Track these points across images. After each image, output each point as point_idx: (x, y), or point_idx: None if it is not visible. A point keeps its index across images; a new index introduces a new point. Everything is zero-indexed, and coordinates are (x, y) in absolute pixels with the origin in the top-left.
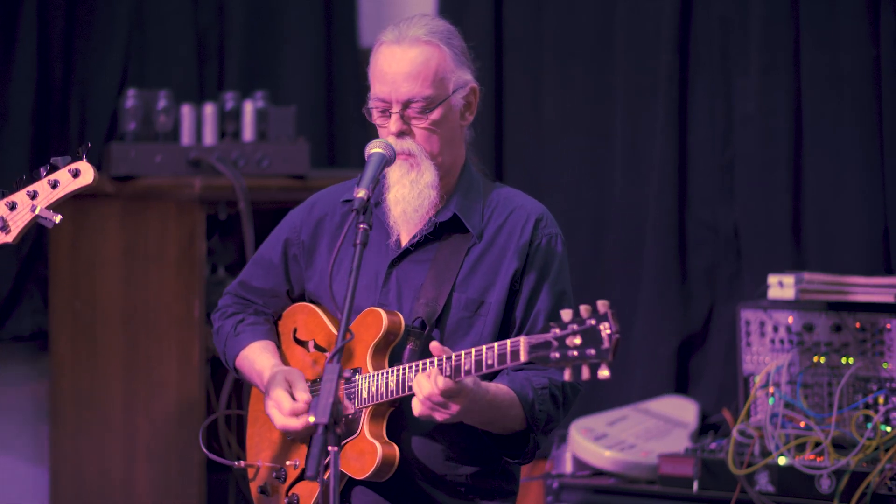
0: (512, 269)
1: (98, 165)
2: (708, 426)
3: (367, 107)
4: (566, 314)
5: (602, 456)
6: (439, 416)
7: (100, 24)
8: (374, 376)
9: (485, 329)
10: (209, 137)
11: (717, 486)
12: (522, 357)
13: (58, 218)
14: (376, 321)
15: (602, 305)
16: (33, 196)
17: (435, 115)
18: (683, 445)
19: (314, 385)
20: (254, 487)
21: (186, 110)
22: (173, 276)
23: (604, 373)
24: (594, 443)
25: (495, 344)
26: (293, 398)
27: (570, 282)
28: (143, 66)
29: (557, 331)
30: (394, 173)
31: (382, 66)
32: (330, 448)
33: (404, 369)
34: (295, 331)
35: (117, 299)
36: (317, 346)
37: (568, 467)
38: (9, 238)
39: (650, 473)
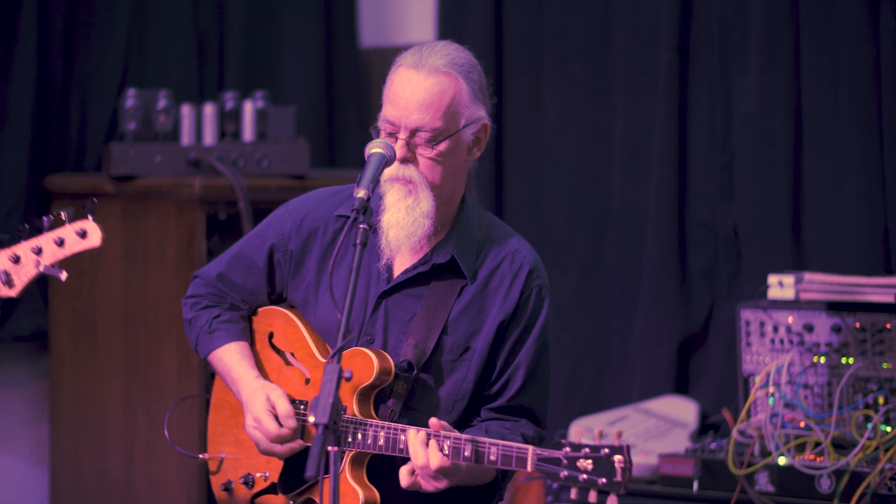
0: (500, 317)
1: (98, 165)
2: (708, 426)
3: (375, 125)
4: (577, 434)
5: None
6: (426, 486)
7: (100, 24)
8: (361, 423)
9: (468, 374)
10: (209, 137)
11: (717, 486)
12: (529, 468)
13: (63, 275)
14: (366, 365)
15: (617, 436)
16: (38, 252)
17: (441, 147)
18: (683, 445)
19: (294, 405)
20: (215, 482)
21: (186, 110)
22: (173, 276)
23: (612, 502)
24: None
25: (500, 443)
26: (278, 421)
27: (552, 335)
28: (143, 66)
29: (568, 450)
30: (391, 196)
31: (396, 90)
32: (330, 448)
33: (396, 430)
34: (271, 335)
35: (117, 299)
36: (294, 359)
37: None
38: (12, 292)
39: (650, 473)
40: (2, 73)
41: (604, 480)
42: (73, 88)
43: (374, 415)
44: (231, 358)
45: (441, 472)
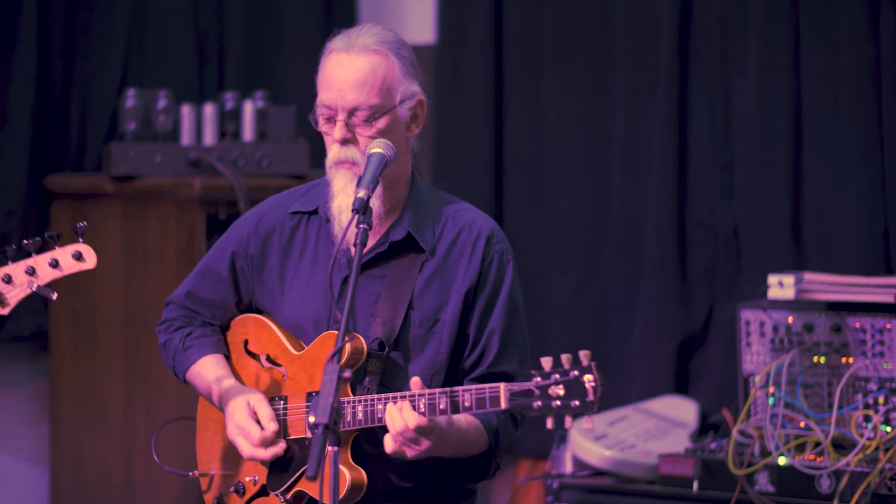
0: (465, 286)
1: (98, 165)
2: (708, 426)
3: (313, 114)
4: (546, 362)
5: (602, 456)
6: (410, 453)
7: (100, 23)
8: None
9: (440, 347)
10: (209, 137)
11: (717, 486)
12: (502, 404)
13: (55, 295)
14: None
15: (584, 357)
16: (31, 272)
17: (380, 124)
18: (683, 445)
19: (274, 403)
20: (208, 499)
21: (186, 110)
22: (173, 276)
23: (588, 425)
24: (594, 443)
25: (473, 387)
26: (260, 425)
27: (522, 297)
28: (143, 66)
29: (539, 379)
30: (338, 182)
31: (330, 74)
32: (330, 448)
33: (373, 401)
34: (246, 342)
35: (117, 299)
36: (270, 360)
37: (568, 467)
38: (3, 311)
39: (650, 473)
40: (2, 73)
41: (577, 403)
42: (73, 88)
43: (352, 395)
44: (207, 370)
45: (420, 432)
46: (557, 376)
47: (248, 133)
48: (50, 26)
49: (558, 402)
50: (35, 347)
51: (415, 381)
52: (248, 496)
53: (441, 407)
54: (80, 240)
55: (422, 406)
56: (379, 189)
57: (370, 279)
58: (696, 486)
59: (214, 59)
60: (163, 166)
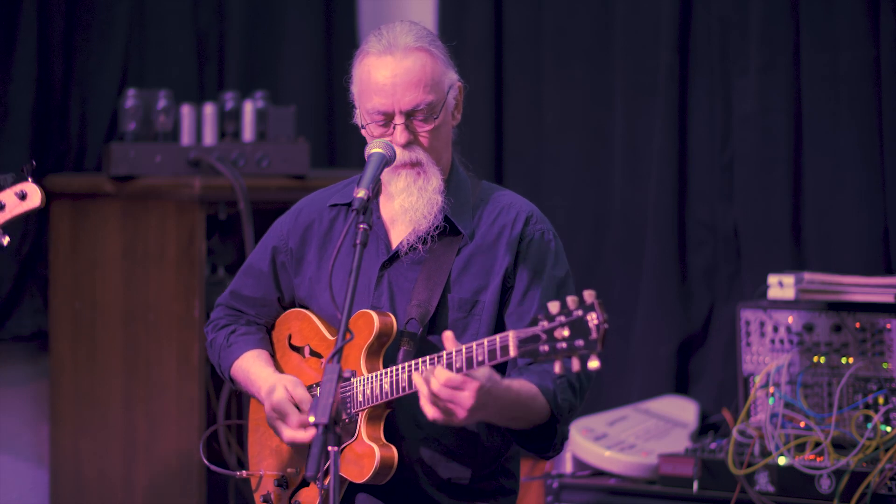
0: (504, 265)
1: (98, 165)
2: (708, 426)
3: (363, 122)
4: (553, 306)
5: (602, 456)
6: (457, 416)
7: (99, 23)
8: (368, 379)
9: (480, 328)
10: (209, 137)
11: (717, 486)
12: (512, 352)
13: (6, 240)
14: (368, 324)
15: (589, 296)
16: None
17: (439, 119)
18: (683, 445)
19: (312, 390)
20: (257, 497)
21: (186, 110)
22: (173, 276)
23: (593, 363)
24: (594, 443)
25: (485, 340)
26: (297, 409)
27: (571, 274)
28: (143, 66)
29: (545, 323)
30: (398, 183)
31: (378, 79)
32: (330, 448)
33: (398, 370)
34: (290, 337)
35: (117, 299)
36: (312, 352)
37: (568, 467)
38: None
39: (650, 473)
40: (2, 73)
41: (581, 342)
42: (73, 88)
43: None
44: (247, 363)
45: (454, 387)
46: (562, 318)
47: (248, 133)
48: (50, 26)
49: (564, 345)
50: (35, 347)
51: (447, 336)
52: (291, 488)
53: (457, 365)
54: (29, 179)
55: (443, 361)
56: (440, 183)
57: (408, 266)
58: (696, 486)
59: (214, 59)
60: (163, 166)
